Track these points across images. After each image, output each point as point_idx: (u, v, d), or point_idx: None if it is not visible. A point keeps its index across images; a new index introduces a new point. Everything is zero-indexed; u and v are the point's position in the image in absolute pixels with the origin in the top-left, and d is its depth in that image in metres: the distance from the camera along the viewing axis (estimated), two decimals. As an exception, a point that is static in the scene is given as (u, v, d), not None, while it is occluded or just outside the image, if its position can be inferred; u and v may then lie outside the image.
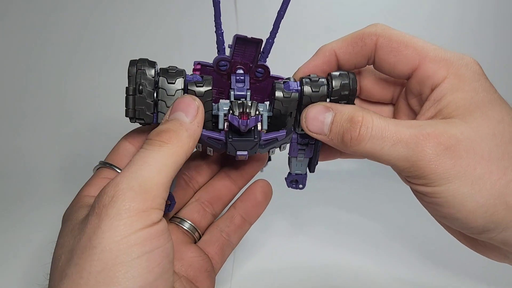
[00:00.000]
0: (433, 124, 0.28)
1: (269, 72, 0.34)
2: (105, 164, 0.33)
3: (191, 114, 0.29)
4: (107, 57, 0.75)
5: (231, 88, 0.35)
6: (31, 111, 0.75)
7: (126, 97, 0.31)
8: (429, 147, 0.27)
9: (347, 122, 0.30)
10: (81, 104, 0.76)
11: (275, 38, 0.33)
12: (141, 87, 0.31)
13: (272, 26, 0.33)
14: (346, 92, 0.33)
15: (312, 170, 0.38)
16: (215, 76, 0.35)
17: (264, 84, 0.36)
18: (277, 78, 0.35)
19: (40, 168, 0.71)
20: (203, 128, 0.31)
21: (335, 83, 0.33)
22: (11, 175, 0.70)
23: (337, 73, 0.33)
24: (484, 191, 0.27)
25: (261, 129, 0.33)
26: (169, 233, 0.27)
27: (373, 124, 0.29)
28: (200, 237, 0.40)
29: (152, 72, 0.31)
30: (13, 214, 0.61)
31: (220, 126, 0.33)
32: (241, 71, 0.34)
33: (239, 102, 0.31)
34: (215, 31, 0.32)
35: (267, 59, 0.34)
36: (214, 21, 0.32)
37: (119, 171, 0.33)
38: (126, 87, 0.31)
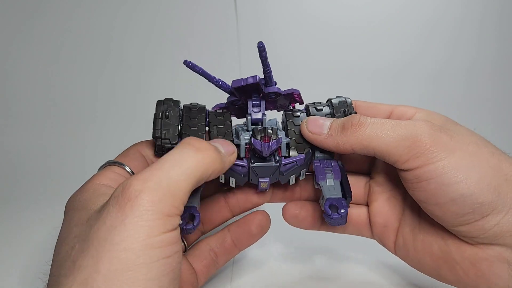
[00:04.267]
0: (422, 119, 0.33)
1: (280, 93, 0.36)
2: (114, 164, 0.33)
3: (228, 151, 0.32)
4: (104, 59, 0.74)
5: (248, 113, 0.36)
6: (27, 111, 0.74)
7: (154, 120, 0.35)
8: (426, 126, 0.31)
9: (345, 120, 0.33)
10: (76, 106, 0.75)
11: (270, 66, 0.33)
12: (167, 113, 0.35)
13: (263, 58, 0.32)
14: (346, 109, 0.37)
15: (348, 195, 0.35)
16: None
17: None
18: (290, 93, 0.36)
19: (32, 169, 0.70)
20: None
21: (334, 101, 0.37)
22: (3, 175, 0.69)
23: (334, 97, 0.38)
24: (482, 163, 0.29)
25: (281, 155, 0.35)
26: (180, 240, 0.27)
27: (371, 118, 0.32)
28: (186, 249, 0.39)
29: (177, 111, 0.35)
30: (5, 214, 0.60)
31: (242, 154, 0.34)
32: (257, 96, 0.36)
33: (260, 128, 0.33)
34: (214, 85, 0.35)
35: (274, 81, 0.35)
36: (209, 81, 0.34)
37: (128, 169, 0.33)
38: (155, 114, 0.35)
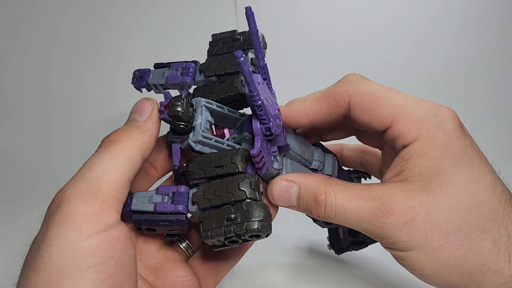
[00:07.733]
0: (394, 194, 0.29)
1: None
2: None
3: (145, 113, 0.30)
4: (106, 58, 0.74)
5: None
6: (29, 112, 0.74)
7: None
8: (389, 224, 0.29)
9: (311, 200, 0.31)
10: (77, 105, 0.75)
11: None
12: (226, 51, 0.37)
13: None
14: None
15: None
16: None
17: None
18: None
19: (35, 169, 0.71)
20: None
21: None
22: (6, 175, 0.70)
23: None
24: (441, 261, 0.29)
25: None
26: (131, 241, 0.26)
27: (336, 202, 0.30)
28: (194, 252, 0.37)
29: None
30: (7, 215, 0.61)
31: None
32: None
33: (184, 97, 0.31)
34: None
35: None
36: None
37: None
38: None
